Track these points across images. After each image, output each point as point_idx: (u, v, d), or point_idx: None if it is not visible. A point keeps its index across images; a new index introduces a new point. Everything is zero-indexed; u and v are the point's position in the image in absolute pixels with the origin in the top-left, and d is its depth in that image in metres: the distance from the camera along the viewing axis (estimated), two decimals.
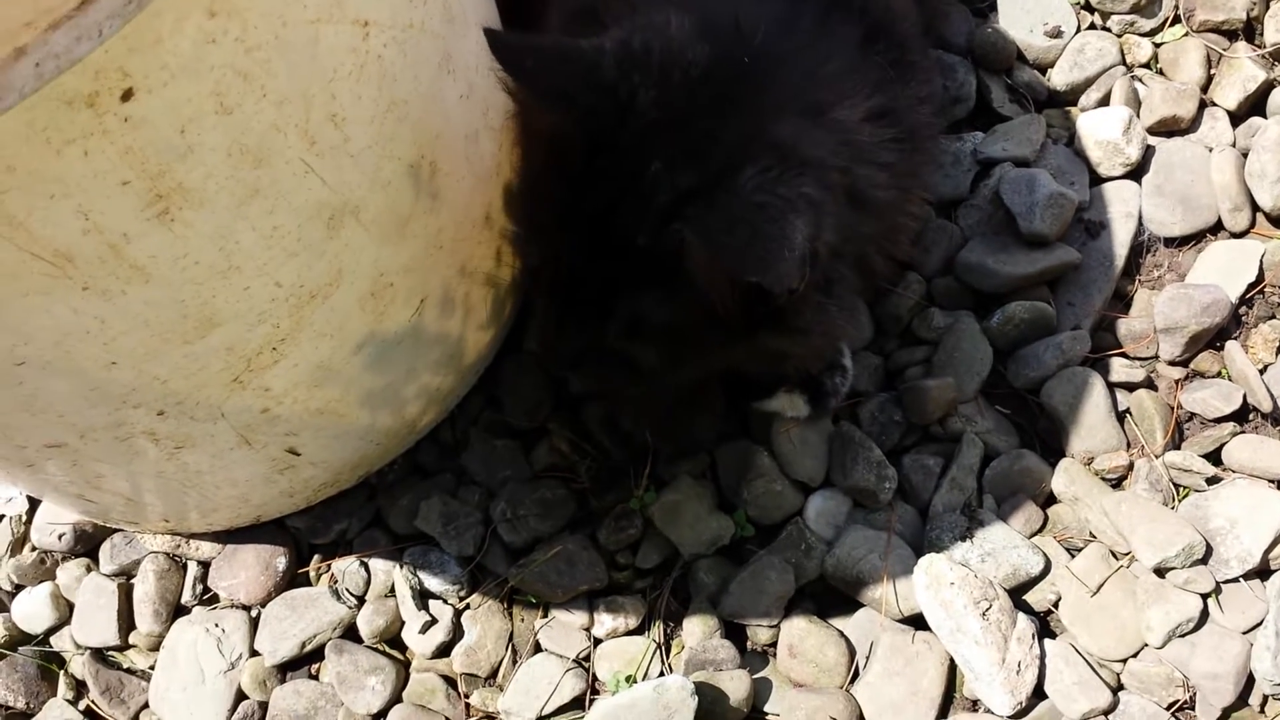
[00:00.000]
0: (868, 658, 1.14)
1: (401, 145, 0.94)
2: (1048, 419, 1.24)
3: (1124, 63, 1.44)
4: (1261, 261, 1.28)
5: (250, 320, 0.91)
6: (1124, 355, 1.26)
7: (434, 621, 1.20)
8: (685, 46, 0.91)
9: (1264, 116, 1.38)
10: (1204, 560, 1.12)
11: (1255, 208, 1.32)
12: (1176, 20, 1.46)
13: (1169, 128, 1.38)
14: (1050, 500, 1.21)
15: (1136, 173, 1.35)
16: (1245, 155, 1.32)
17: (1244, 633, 1.11)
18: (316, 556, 1.27)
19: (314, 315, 0.96)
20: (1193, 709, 1.10)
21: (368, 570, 1.24)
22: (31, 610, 1.28)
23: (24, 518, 1.32)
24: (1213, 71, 1.42)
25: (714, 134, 0.88)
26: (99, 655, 1.26)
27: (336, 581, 1.24)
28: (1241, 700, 1.10)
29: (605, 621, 1.19)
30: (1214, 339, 1.25)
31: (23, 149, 0.67)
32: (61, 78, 0.62)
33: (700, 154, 0.87)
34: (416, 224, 1.01)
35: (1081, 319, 1.27)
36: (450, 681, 1.20)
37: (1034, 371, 1.23)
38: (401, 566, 1.22)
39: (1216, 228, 1.33)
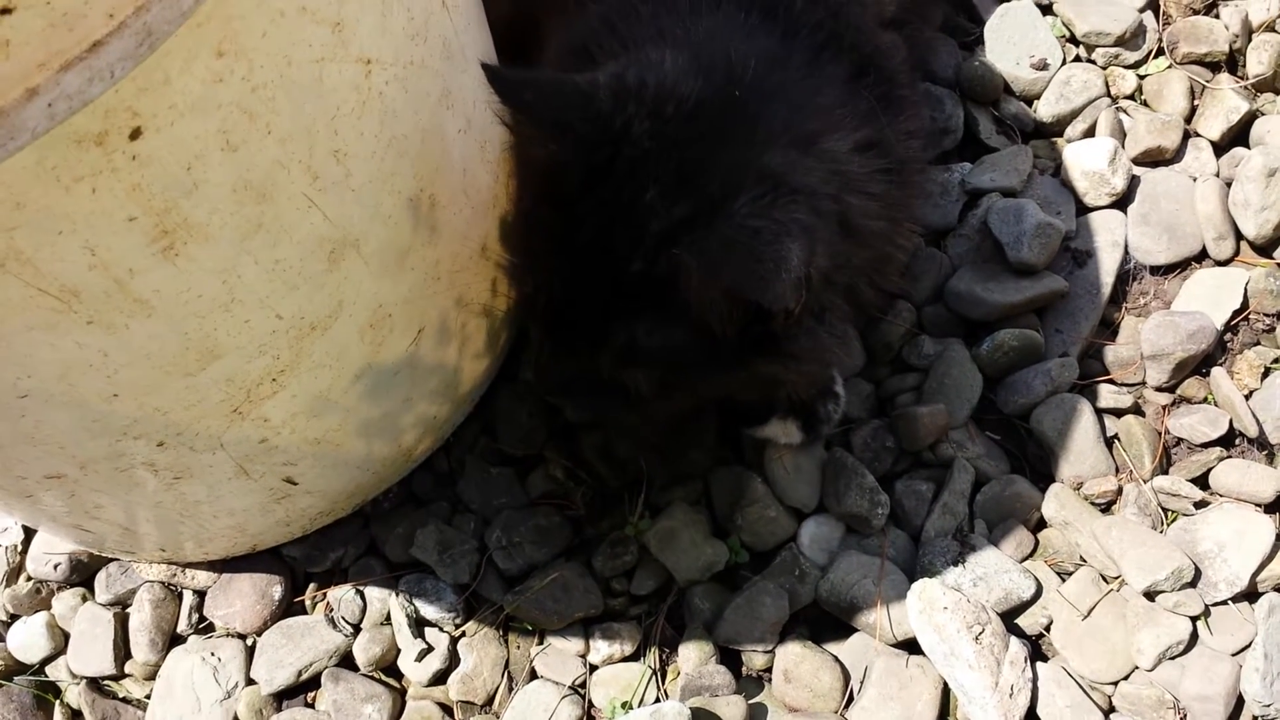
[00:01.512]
0: (862, 682, 1.15)
1: (402, 179, 0.95)
2: (1037, 445, 1.25)
3: (1109, 94, 1.46)
4: (1246, 289, 1.29)
5: (251, 352, 0.92)
6: (1111, 382, 1.27)
7: (430, 649, 1.20)
8: (678, 80, 0.93)
9: (1247, 147, 1.41)
10: (1193, 583, 1.14)
11: (1239, 236, 1.34)
12: (1160, 53, 1.49)
13: (1154, 158, 1.40)
14: (1041, 525, 1.23)
15: (1122, 202, 1.37)
16: (1229, 185, 1.35)
17: (1233, 655, 1.12)
18: (312, 585, 1.27)
19: (314, 346, 0.97)
20: None
21: (363, 598, 1.25)
22: (27, 640, 1.28)
23: (19, 547, 1.32)
24: (1196, 103, 1.44)
25: (707, 163, 0.90)
26: (95, 685, 1.26)
27: (332, 610, 1.24)
28: None
29: (601, 648, 1.19)
30: (1200, 365, 1.27)
31: (32, 186, 0.68)
32: (72, 117, 0.63)
33: (694, 182, 0.89)
34: (415, 256, 1.02)
35: (1069, 346, 1.29)
36: (447, 709, 1.20)
37: (1023, 398, 1.25)
38: (397, 594, 1.23)
39: (1201, 256, 1.35)
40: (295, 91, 0.78)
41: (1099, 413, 1.25)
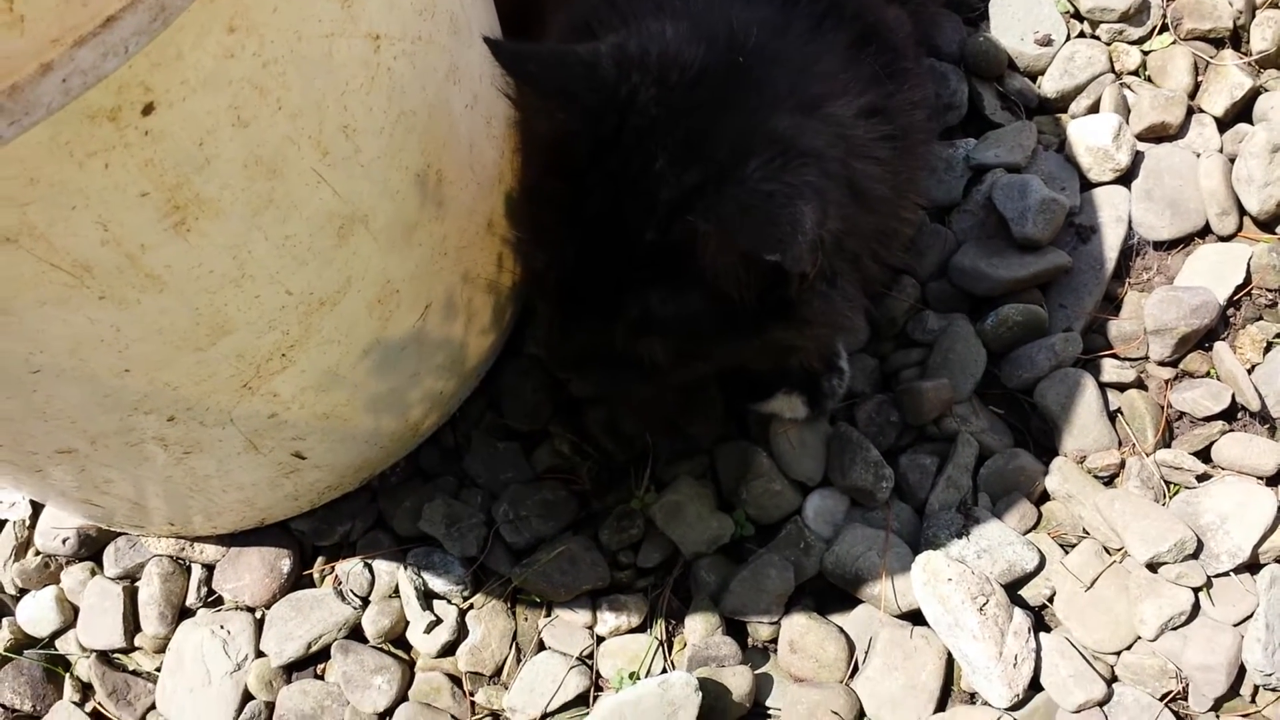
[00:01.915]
0: (867, 653, 1.16)
1: (410, 155, 0.95)
2: (1041, 419, 1.26)
3: (1113, 70, 1.46)
4: (1249, 264, 1.30)
5: (261, 327, 0.92)
6: (1115, 356, 1.28)
7: (438, 621, 1.21)
8: (681, 48, 0.93)
9: (1250, 123, 1.41)
10: (1195, 555, 1.14)
11: (1242, 212, 1.34)
12: (1164, 28, 1.49)
13: (1158, 134, 1.40)
14: (1044, 498, 1.24)
15: (1126, 178, 1.37)
16: (1232, 161, 1.35)
17: (1235, 625, 1.13)
18: (320, 558, 1.28)
19: (323, 322, 0.97)
20: (1186, 699, 1.13)
21: (372, 571, 1.26)
22: (36, 614, 1.29)
23: (27, 522, 1.33)
24: (1200, 79, 1.45)
25: (714, 130, 0.90)
26: (105, 658, 1.27)
27: (341, 583, 1.25)
28: (1233, 691, 1.12)
29: (608, 620, 1.20)
30: (1203, 340, 1.28)
31: (46, 162, 0.68)
32: (86, 93, 0.64)
33: (703, 149, 0.89)
34: (423, 231, 1.03)
35: (1073, 321, 1.29)
36: (455, 680, 1.22)
37: (1027, 373, 1.26)
38: (405, 567, 1.24)
39: (1204, 231, 1.35)
40: (305, 67, 0.78)
41: (1102, 387, 1.26)
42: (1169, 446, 1.24)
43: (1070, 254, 1.32)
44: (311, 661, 1.24)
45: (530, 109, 1.02)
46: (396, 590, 1.24)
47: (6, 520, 1.33)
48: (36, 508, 1.33)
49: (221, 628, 1.25)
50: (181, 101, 0.71)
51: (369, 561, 1.26)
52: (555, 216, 0.96)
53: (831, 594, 1.20)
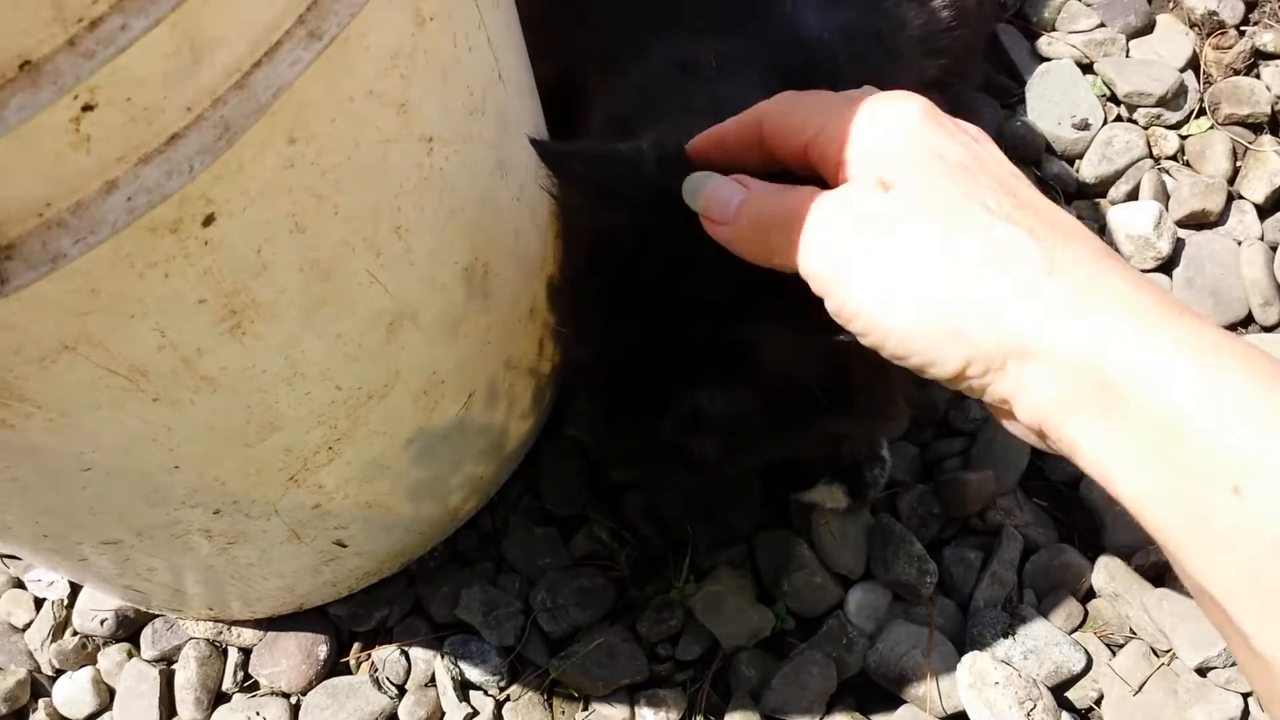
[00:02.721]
0: None
1: (459, 250, 0.96)
2: (1086, 513, 1.24)
3: (1151, 155, 1.46)
4: None
5: (310, 423, 0.92)
6: None
7: (475, 713, 1.20)
8: None
9: None
10: None
11: None
12: (1201, 113, 1.49)
13: (1198, 221, 1.40)
14: (1090, 595, 1.21)
15: (1167, 266, 1.37)
16: (1274, 249, 1.34)
17: None
18: (357, 644, 1.27)
19: (370, 415, 0.98)
20: None
21: (408, 659, 1.25)
22: (73, 695, 1.28)
23: (65, 602, 1.33)
24: (1239, 164, 1.44)
25: None
26: None
27: (377, 670, 1.25)
28: None
29: (646, 715, 1.19)
30: None
31: (107, 273, 0.68)
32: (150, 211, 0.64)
33: None
34: (469, 323, 1.03)
35: None
36: None
37: (1072, 465, 1.23)
38: (442, 656, 1.23)
39: (1247, 321, 1.34)
40: (361, 173, 0.79)
41: None
42: None
43: None
44: None
45: (573, 206, 1.03)
46: (433, 679, 1.23)
47: (45, 599, 1.33)
48: (75, 587, 1.33)
49: (257, 714, 1.24)
50: (242, 211, 0.71)
51: (405, 649, 1.25)
52: (599, 311, 0.96)
53: (874, 693, 1.18)
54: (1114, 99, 1.50)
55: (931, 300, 0.60)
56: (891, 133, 0.65)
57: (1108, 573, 1.19)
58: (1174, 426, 0.52)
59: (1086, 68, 1.52)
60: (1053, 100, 1.49)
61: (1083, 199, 1.46)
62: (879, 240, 0.62)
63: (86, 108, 0.58)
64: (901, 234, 0.61)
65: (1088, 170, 1.45)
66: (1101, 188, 1.46)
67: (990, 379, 0.59)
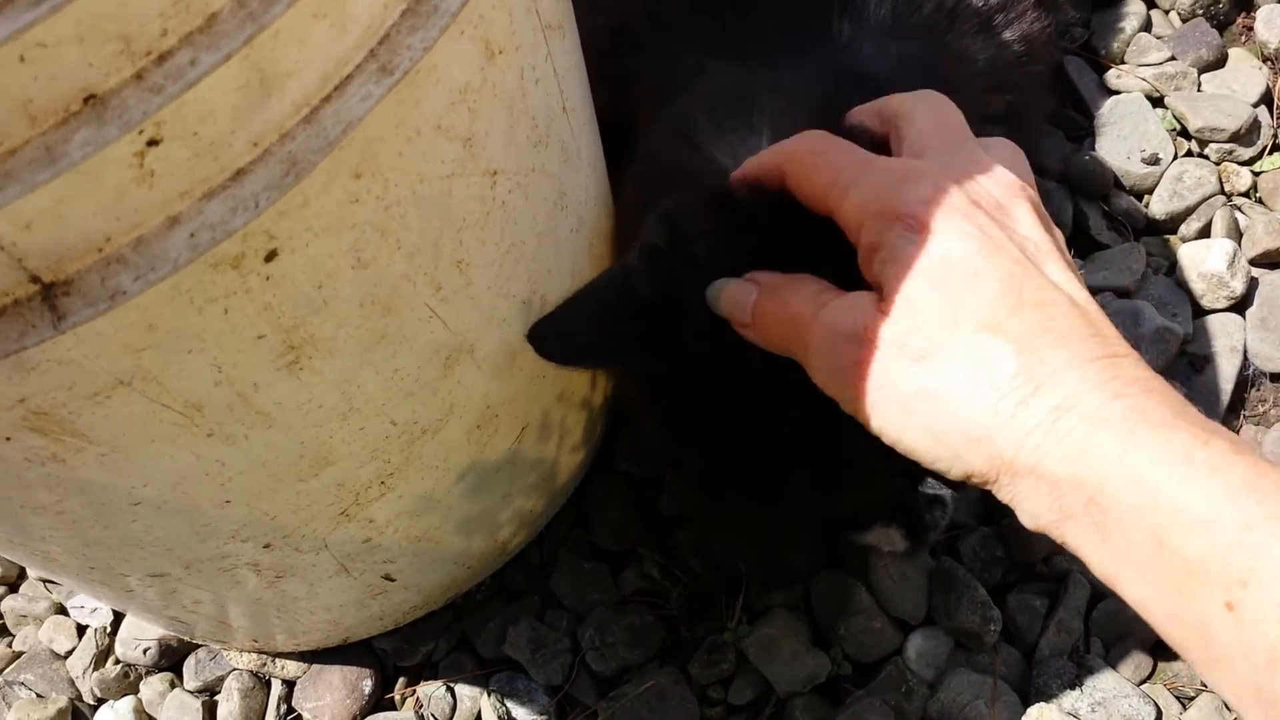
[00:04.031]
0: None
1: (517, 283, 0.94)
2: None
3: (1223, 191, 1.42)
4: None
5: (363, 458, 0.90)
6: None
7: None
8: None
9: None
10: None
11: None
12: (1275, 148, 1.44)
13: (1272, 259, 1.36)
14: (1159, 646, 1.17)
15: (1240, 305, 1.33)
16: None
17: None
18: (402, 679, 1.25)
19: (423, 449, 0.95)
20: None
21: (453, 695, 1.22)
22: None
23: (108, 629, 1.32)
24: None
25: None
26: None
27: (422, 706, 1.22)
28: None
29: None
30: None
31: (166, 309, 0.67)
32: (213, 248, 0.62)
33: None
34: (524, 357, 1.01)
35: None
36: None
37: None
38: (489, 694, 1.20)
39: None
40: (425, 207, 0.77)
41: None
42: None
43: (1184, 385, 1.27)
44: None
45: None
46: (479, 717, 1.21)
47: (88, 626, 1.32)
48: (118, 615, 1.32)
49: None
50: (305, 247, 0.69)
51: (451, 685, 1.22)
52: (674, 421, 0.91)
53: None
54: (1185, 134, 1.47)
55: (925, 426, 0.62)
56: (899, 235, 0.65)
57: None
58: (1163, 543, 0.53)
59: (1157, 101, 1.48)
60: (1122, 134, 1.45)
61: (1152, 235, 1.42)
62: (872, 365, 0.64)
63: (151, 142, 0.56)
64: (890, 359, 0.63)
65: (1157, 206, 1.41)
66: (1171, 224, 1.41)
67: (992, 488, 0.61)
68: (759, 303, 0.74)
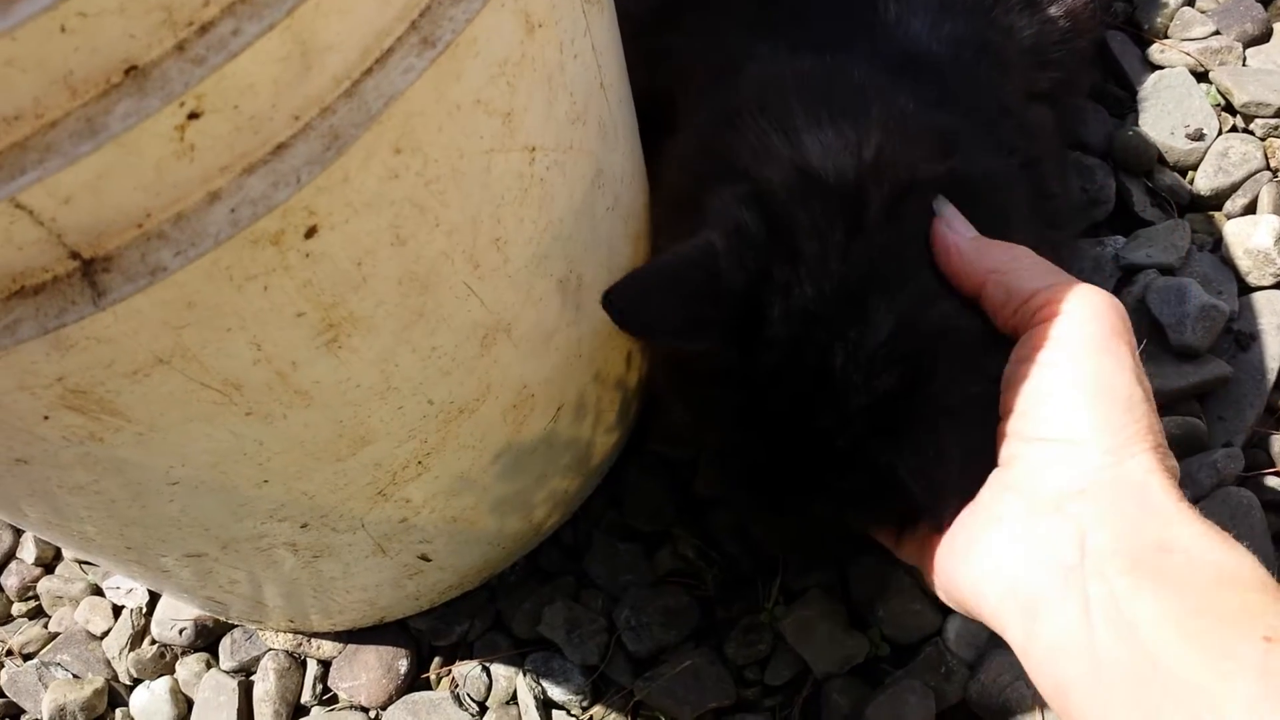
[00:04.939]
0: None
1: (554, 262, 0.93)
2: None
3: (1269, 167, 1.39)
4: None
5: (400, 437, 0.90)
6: (1278, 474, 1.20)
7: None
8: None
9: None
10: None
11: None
12: None
13: None
14: None
15: None
16: None
17: None
18: (437, 659, 1.25)
19: (460, 429, 0.95)
20: None
21: (489, 675, 1.22)
22: (150, 705, 1.27)
23: (144, 610, 1.32)
24: None
25: (876, 315, 0.81)
26: None
27: (458, 686, 1.22)
28: None
29: None
30: None
31: (205, 286, 0.66)
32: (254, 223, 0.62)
33: (881, 344, 0.80)
34: (560, 336, 1.00)
35: (1233, 435, 1.22)
36: None
37: (1188, 491, 1.18)
38: (524, 674, 1.20)
39: None
40: (464, 183, 0.76)
41: (1264, 506, 1.18)
42: None
43: (1229, 363, 1.24)
44: None
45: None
46: (514, 696, 1.20)
47: (123, 607, 1.32)
48: (154, 595, 1.32)
49: None
50: (345, 223, 0.68)
51: (487, 665, 1.22)
52: (726, 414, 0.87)
53: None
54: (1230, 109, 1.44)
55: (988, 592, 0.73)
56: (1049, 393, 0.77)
57: None
58: None
59: (1201, 76, 1.45)
60: (1165, 109, 1.43)
61: (1196, 211, 1.39)
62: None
63: (192, 115, 0.55)
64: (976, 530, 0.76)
65: (1202, 182, 1.38)
66: (1217, 200, 1.39)
67: None
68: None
